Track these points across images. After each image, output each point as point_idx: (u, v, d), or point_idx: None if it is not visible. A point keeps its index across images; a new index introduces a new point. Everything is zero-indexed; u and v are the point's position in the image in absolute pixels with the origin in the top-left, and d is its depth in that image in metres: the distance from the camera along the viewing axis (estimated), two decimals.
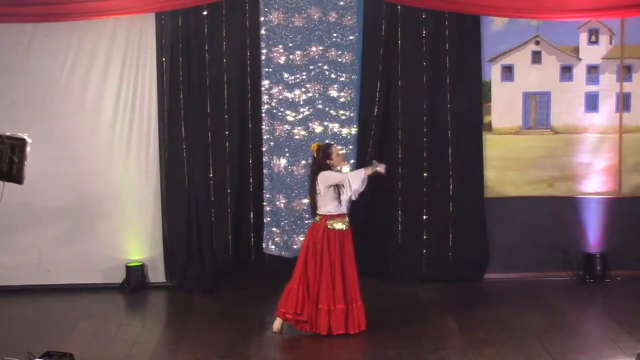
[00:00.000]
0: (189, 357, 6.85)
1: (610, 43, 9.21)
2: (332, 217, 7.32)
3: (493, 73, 9.23)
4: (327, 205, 7.30)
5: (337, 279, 7.26)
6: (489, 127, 9.27)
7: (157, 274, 9.15)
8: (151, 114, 9.01)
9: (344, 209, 7.37)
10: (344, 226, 7.35)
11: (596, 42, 9.22)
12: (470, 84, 9.15)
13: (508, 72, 9.25)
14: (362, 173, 7.30)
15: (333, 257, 7.27)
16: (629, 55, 9.22)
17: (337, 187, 7.28)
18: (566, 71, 9.25)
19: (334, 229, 7.30)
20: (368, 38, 9.09)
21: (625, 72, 9.24)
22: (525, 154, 9.30)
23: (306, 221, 8.75)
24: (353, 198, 7.37)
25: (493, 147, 9.27)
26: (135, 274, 9.00)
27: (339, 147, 7.97)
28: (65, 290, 8.94)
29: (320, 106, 9.09)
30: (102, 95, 8.96)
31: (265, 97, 9.06)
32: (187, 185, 9.03)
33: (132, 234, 9.11)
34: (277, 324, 7.47)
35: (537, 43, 9.21)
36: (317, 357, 7.04)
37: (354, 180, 7.24)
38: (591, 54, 9.24)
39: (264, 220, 9.13)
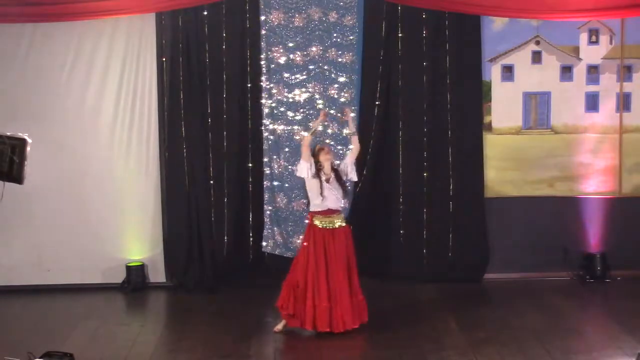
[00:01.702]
0: (189, 357, 6.86)
1: (611, 43, 9.21)
2: (318, 213, 7.37)
3: (493, 73, 9.22)
4: (314, 200, 7.40)
5: (320, 277, 7.29)
6: (489, 127, 9.27)
7: (157, 274, 9.15)
8: (151, 114, 9.01)
9: (329, 204, 7.37)
10: (333, 224, 7.37)
11: (596, 42, 9.22)
12: (470, 84, 9.14)
13: (508, 72, 9.24)
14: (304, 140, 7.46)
15: (318, 255, 7.30)
16: (629, 55, 9.21)
17: (320, 182, 7.33)
18: (566, 71, 9.25)
19: (319, 227, 7.34)
20: (368, 38, 9.08)
21: (625, 72, 9.23)
22: (525, 154, 9.30)
23: (306, 221, 8.73)
24: (299, 172, 7.39)
25: (493, 147, 9.27)
26: (135, 274, 9.00)
27: (330, 143, 8.20)
28: (65, 290, 8.94)
29: (320, 106, 9.09)
30: (102, 95, 8.96)
31: (265, 97, 9.07)
32: (187, 185, 9.03)
33: (132, 234, 9.11)
34: (280, 324, 7.48)
35: (537, 43, 9.20)
36: (317, 357, 7.03)
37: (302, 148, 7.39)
38: (591, 54, 9.24)
39: (264, 220, 9.14)
